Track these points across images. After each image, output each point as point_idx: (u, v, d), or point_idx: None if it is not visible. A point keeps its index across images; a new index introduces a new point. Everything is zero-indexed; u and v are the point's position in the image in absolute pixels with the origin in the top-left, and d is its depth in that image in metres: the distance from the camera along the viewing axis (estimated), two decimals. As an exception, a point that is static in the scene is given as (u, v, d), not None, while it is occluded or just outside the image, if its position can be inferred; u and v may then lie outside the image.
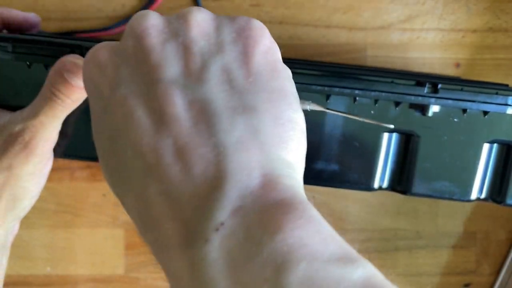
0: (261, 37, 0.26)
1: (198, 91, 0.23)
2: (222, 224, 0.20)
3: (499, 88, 0.34)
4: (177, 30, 0.25)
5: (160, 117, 0.23)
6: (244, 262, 0.19)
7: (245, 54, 0.25)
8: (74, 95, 0.34)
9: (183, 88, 0.23)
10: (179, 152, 0.22)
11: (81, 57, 0.35)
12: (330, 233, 0.21)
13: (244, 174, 0.21)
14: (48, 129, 0.35)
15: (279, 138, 0.23)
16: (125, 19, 0.48)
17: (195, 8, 0.26)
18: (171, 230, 0.21)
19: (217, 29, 0.26)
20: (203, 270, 0.20)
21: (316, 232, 0.20)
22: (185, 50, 0.25)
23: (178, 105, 0.23)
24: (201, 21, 0.26)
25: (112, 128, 0.24)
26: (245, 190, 0.21)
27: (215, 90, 0.23)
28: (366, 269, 0.20)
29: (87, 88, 0.27)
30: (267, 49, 0.26)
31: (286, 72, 0.26)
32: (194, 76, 0.24)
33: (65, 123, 0.37)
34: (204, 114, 0.23)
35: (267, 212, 0.20)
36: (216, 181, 0.21)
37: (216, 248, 0.20)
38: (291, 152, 0.24)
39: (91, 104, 0.27)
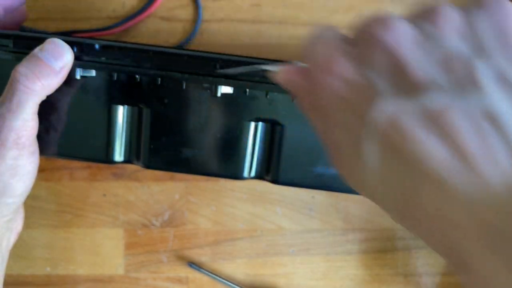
0: None
1: (477, 103, 0.21)
2: None
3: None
4: (430, 36, 0.24)
5: (453, 143, 0.21)
6: None
7: None
8: (46, 78, 0.33)
9: (460, 102, 0.22)
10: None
11: (64, 43, 0.34)
12: None
13: None
14: (16, 118, 0.33)
15: None
16: (125, 19, 0.48)
17: (439, 7, 0.24)
18: (471, 231, 0.21)
19: (471, 28, 0.24)
20: None
21: None
22: (446, 58, 0.23)
23: (463, 126, 0.21)
24: (452, 21, 0.24)
25: (381, 152, 0.23)
26: None
27: (495, 98, 0.21)
28: None
29: (328, 101, 0.26)
30: None
31: None
32: (467, 85, 0.22)
33: (53, 116, 0.36)
34: (495, 130, 0.21)
35: None
36: None
37: None
38: None
39: (336, 118, 0.26)
